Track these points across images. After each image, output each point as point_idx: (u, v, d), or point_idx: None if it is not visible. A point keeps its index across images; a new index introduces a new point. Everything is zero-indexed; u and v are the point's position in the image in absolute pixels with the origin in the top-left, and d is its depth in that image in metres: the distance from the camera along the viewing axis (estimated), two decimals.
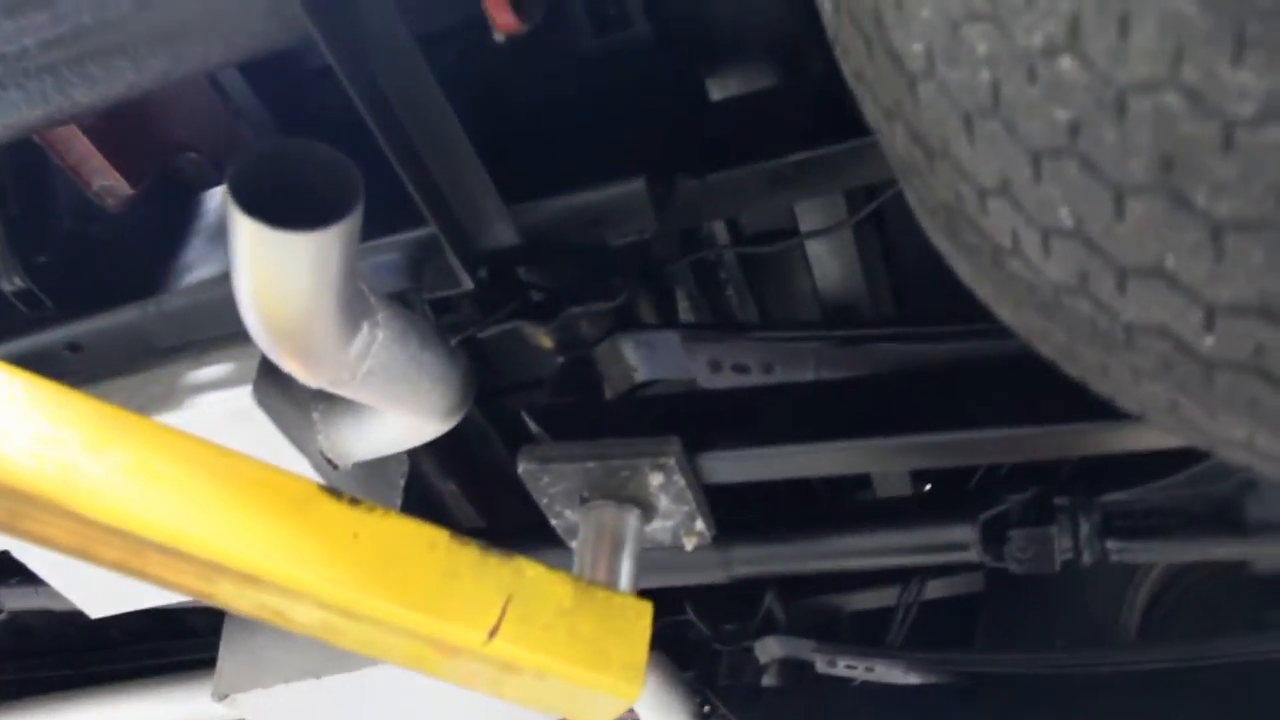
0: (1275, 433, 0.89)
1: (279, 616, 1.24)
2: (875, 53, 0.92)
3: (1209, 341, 0.81)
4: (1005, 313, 1.07)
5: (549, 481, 1.49)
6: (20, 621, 3.26)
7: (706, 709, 2.51)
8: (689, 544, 1.55)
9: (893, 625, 2.50)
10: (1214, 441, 0.97)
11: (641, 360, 1.64)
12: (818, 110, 1.66)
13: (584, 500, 1.49)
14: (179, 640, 3.18)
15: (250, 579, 1.19)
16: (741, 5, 1.70)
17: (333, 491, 1.26)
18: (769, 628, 2.43)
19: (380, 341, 1.35)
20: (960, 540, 1.90)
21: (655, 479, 1.45)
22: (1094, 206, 0.78)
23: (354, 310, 1.28)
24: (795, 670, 2.49)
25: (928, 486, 2.40)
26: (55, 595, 2.59)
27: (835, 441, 1.50)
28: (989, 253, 0.96)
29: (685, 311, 2.02)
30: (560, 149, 1.60)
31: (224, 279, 1.73)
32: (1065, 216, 0.82)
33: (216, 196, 1.88)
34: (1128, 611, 2.48)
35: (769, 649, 2.38)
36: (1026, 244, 0.89)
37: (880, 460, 1.64)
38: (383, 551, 1.25)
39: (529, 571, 1.32)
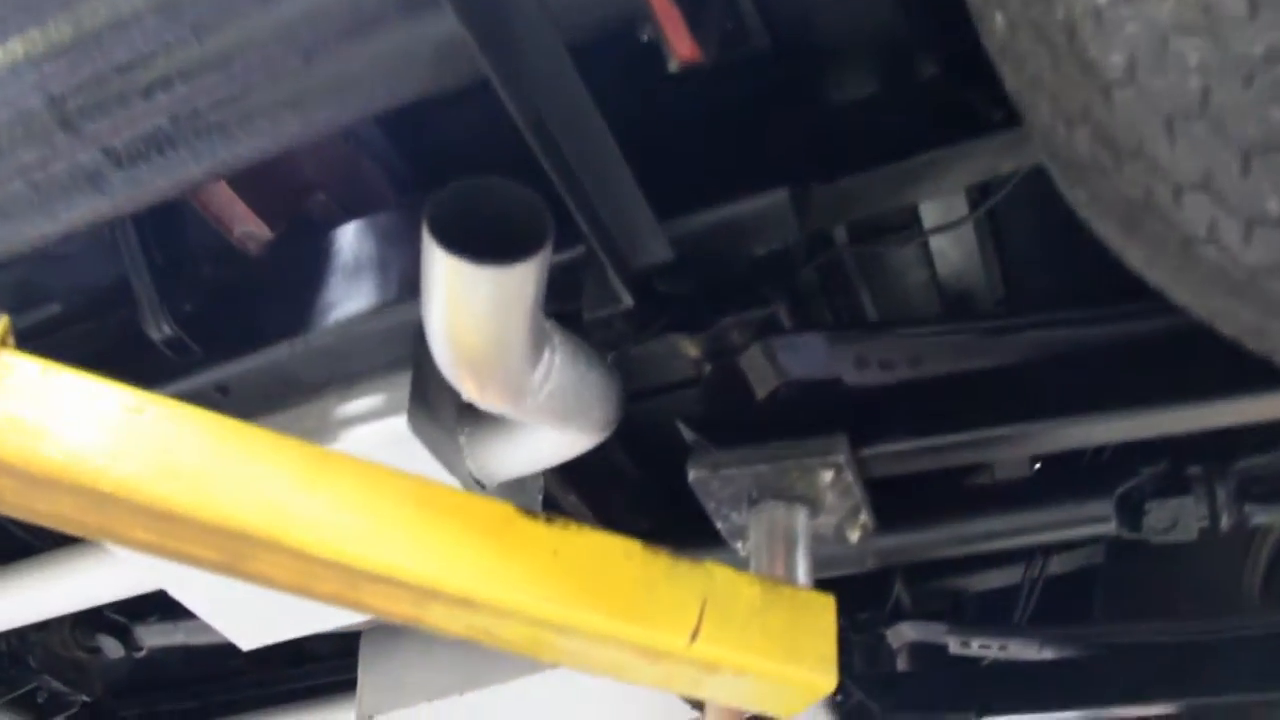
0: None
1: (488, 635, 1.30)
2: (1063, 62, 0.96)
3: None
4: (1183, 295, 1.11)
5: (718, 486, 1.55)
6: (147, 659, 3.32)
7: (838, 698, 2.55)
8: (852, 536, 1.60)
9: (1019, 603, 2.53)
10: None
11: (787, 362, 1.69)
12: (933, 111, 1.70)
13: (752, 502, 1.55)
14: (301, 667, 3.24)
15: (463, 602, 1.25)
16: (851, 13, 1.74)
17: (529, 512, 1.31)
18: (898, 614, 2.47)
19: (558, 364, 1.40)
20: (1097, 515, 1.94)
21: (826, 476, 1.50)
22: None
23: (539, 337, 1.33)
24: (926, 654, 2.53)
25: (1037, 465, 2.42)
26: (194, 630, 2.68)
27: (995, 429, 1.55)
28: (1176, 242, 1.01)
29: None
30: (697, 163, 1.64)
31: (370, 315, 1.78)
32: (1274, 207, 0.86)
33: (348, 234, 1.94)
34: (1249, 573, 2.51)
35: (902, 634, 2.42)
36: (1225, 232, 0.93)
37: (1038, 444, 1.68)
38: (583, 566, 1.30)
39: (718, 574, 1.37)
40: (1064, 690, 2.29)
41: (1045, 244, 2.09)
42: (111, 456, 1.16)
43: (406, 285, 1.79)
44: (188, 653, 3.30)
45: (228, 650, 3.21)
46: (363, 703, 2.59)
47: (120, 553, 2.08)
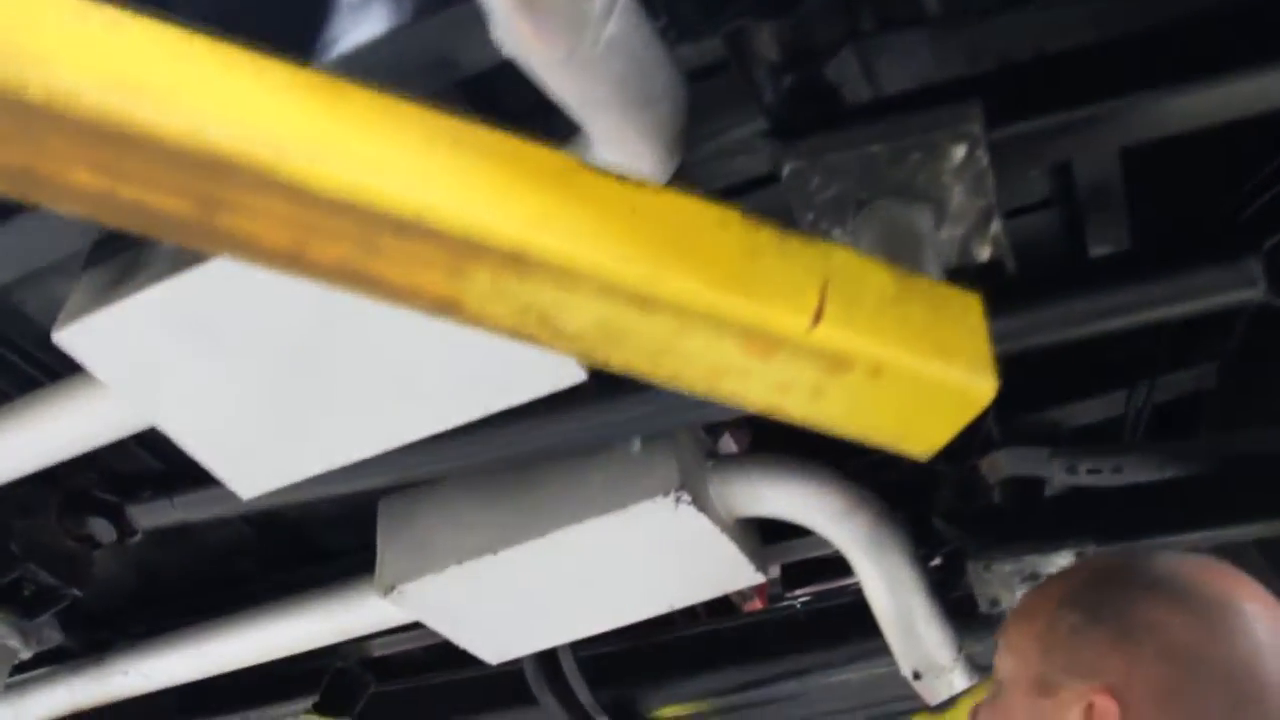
0: None
1: (544, 324, 0.99)
2: None
3: None
4: None
5: (820, 184, 1.24)
6: (148, 564, 3.05)
7: (923, 551, 2.26)
8: (982, 254, 1.29)
9: (1124, 432, 2.23)
10: None
11: (886, 69, 1.38)
12: None
13: (861, 204, 1.24)
14: (315, 566, 2.94)
15: (515, 262, 0.94)
16: None
17: (593, 166, 1.01)
18: (989, 450, 2.17)
19: (620, 7, 1.10)
20: (1242, 278, 1.65)
21: (956, 154, 1.19)
22: None
23: None
24: (1023, 489, 2.23)
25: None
26: (191, 505, 2.39)
27: (1152, 91, 1.25)
28: None
29: None
30: None
31: (380, 42, 1.49)
32: None
33: None
34: None
35: (998, 465, 2.12)
36: None
37: (1200, 110, 1.37)
38: (668, 228, 1.00)
39: (838, 255, 1.07)
40: (1190, 510, 1.99)
41: None
42: (47, 59, 0.86)
43: (422, 7, 1.49)
44: (192, 559, 3.02)
45: (235, 550, 2.94)
46: (384, 572, 2.29)
47: (102, 379, 1.78)
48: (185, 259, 1.61)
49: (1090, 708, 1.30)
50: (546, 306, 0.97)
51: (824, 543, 2.46)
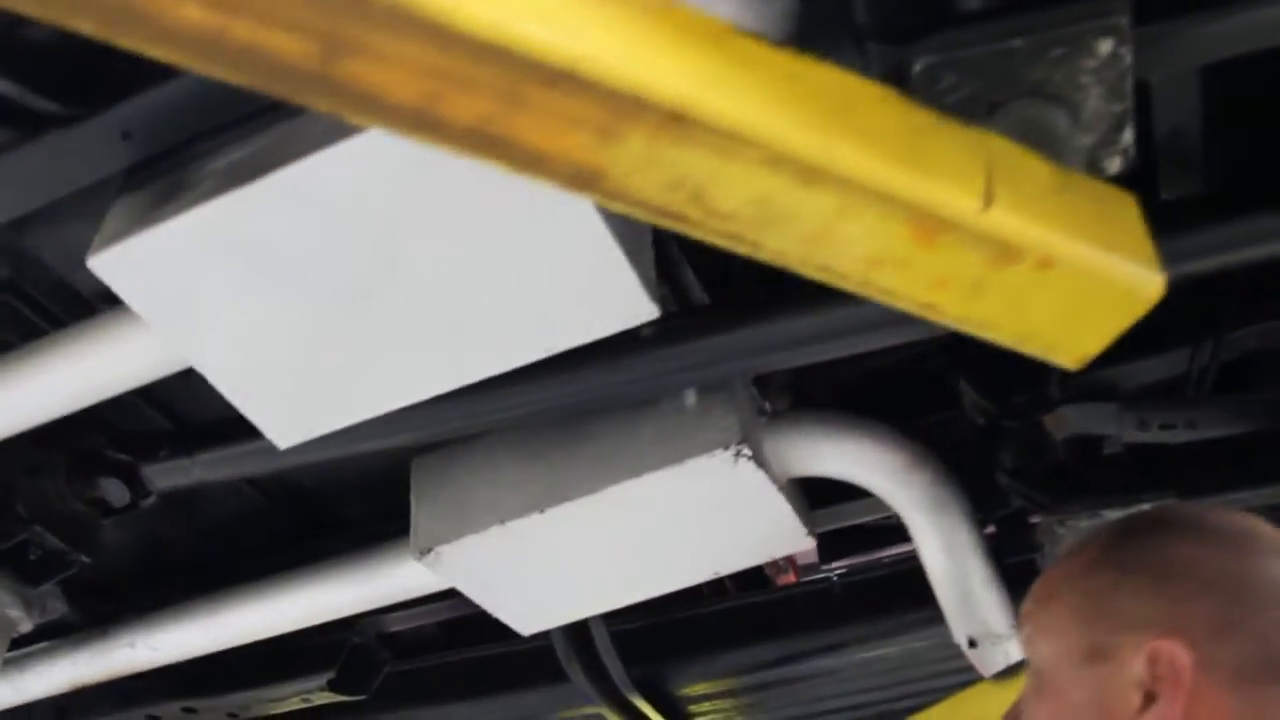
0: None
1: (696, 201, 0.91)
2: None
3: None
4: None
5: (953, 83, 1.14)
6: (155, 537, 2.93)
7: (979, 515, 2.18)
8: (1111, 166, 1.20)
9: (1188, 389, 2.15)
10: None
11: None
12: None
13: (994, 107, 1.15)
14: (335, 537, 2.83)
15: (675, 123, 0.85)
16: None
17: (747, 31, 0.92)
18: (1050, 408, 2.09)
19: None
20: None
21: (1102, 49, 1.11)
22: None
23: None
24: (1086, 447, 2.15)
25: None
26: (211, 465, 2.28)
27: None
28: None
29: None
30: None
31: None
32: None
33: None
34: None
35: (1064, 421, 2.04)
36: None
37: None
38: (830, 99, 0.91)
39: (996, 143, 0.99)
40: (1266, 464, 1.92)
41: None
42: None
43: None
44: (203, 530, 2.90)
45: (248, 521, 2.82)
46: (419, 534, 2.18)
47: (138, 312, 1.67)
48: (233, 180, 1.51)
49: (1155, 654, 1.26)
50: (702, 179, 0.89)
51: (863, 510, 2.39)
